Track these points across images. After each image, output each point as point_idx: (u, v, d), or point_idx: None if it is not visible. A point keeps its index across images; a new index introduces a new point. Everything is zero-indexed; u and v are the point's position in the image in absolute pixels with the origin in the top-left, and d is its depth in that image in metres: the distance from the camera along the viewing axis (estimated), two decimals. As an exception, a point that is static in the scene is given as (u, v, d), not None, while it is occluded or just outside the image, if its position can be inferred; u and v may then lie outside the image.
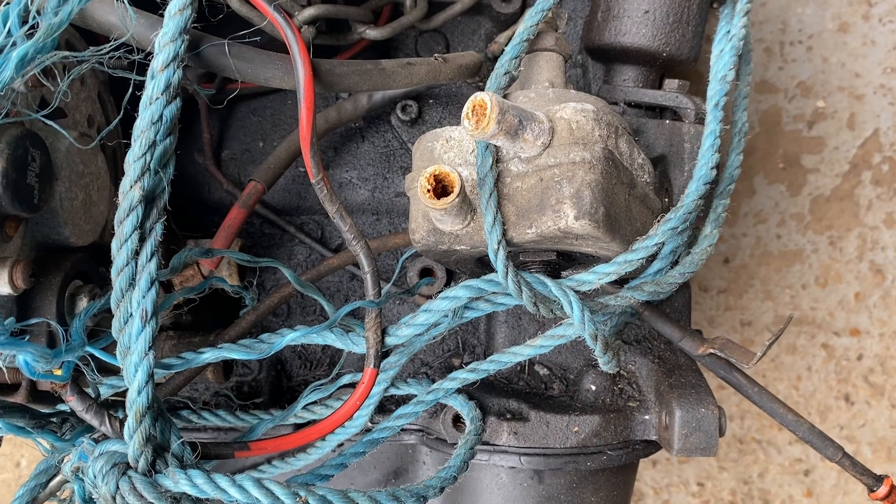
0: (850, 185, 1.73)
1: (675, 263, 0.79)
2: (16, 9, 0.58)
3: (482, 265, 0.80)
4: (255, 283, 0.94)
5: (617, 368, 0.81)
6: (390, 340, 0.75)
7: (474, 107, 0.63)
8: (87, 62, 0.58)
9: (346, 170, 0.98)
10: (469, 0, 0.96)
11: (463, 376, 0.84)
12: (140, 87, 0.62)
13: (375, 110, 0.95)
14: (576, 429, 0.87)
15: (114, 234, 0.60)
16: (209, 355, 0.72)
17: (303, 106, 0.65)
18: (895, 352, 1.73)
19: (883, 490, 0.81)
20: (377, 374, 0.74)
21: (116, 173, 0.80)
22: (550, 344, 0.79)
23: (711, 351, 0.85)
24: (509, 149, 0.69)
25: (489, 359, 0.83)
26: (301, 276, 0.86)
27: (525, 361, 0.96)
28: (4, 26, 0.56)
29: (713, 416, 0.83)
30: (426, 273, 0.97)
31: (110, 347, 0.65)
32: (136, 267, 0.60)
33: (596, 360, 0.80)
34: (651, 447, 0.92)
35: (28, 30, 0.58)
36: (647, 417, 0.89)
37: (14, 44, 0.55)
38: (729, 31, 0.84)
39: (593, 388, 0.92)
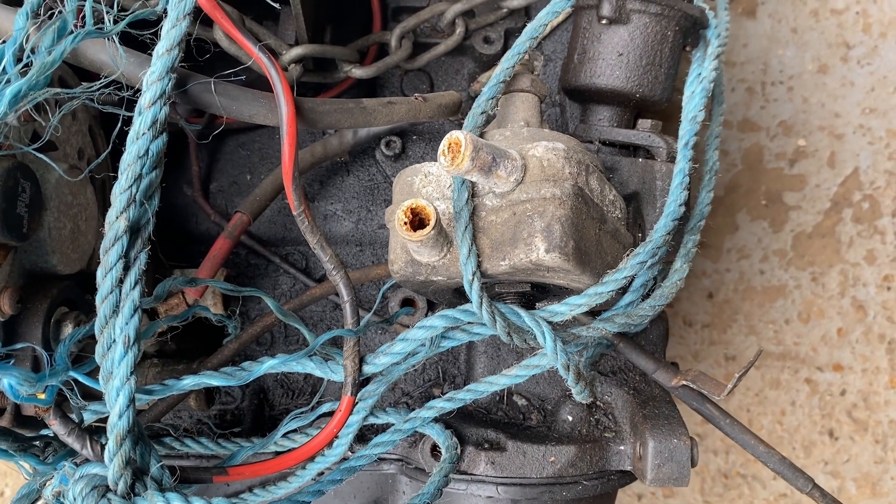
0: (831, 222, 1.76)
1: (646, 296, 0.82)
2: (11, 47, 0.61)
3: (459, 296, 0.82)
4: (238, 312, 0.96)
5: (591, 399, 0.83)
6: (368, 369, 0.77)
7: (450, 144, 0.66)
8: (79, 98, 0.61)
9: (331, 202, 1.01)
10: (452, 41, 1.00)
11: (440, 405, 0.86)
12: (128, 122, 0.65)
13: (360, 145, 0.98)
14: (552, 459, 0.89)
15: (100, 262, 0.62)
16: (190, 381, 0.74)
17: (285, 142, 0.68)
18: (878, 387, 1.75)
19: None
20: (354, 402, 0.76)
21: (104, 204, 0.83)
22: (525, 374, 0.81)
23: (684, 382, 0.88)
24: (484, 184, 0.72)
25: (466, 388, 0.85)
26: (284, 305, 0.88)
27: (503, 391, 0.98)
28: (1, 64, 0.59)
29: (685, 446, 0.85)
30: (407, 303, 0.99)
31: (93, 373, 0.67)
32: (120, 294, 0.62)
33: (571, 390, 0.82)
34: (627, 477, 0.93)
35: (22, 67, 0.61)
36: (622, 448, 0.91)
37: (9, 81, 0.58)
38: (700, 74, 0.88)
39: (570, 418, 0.94)
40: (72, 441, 0.66)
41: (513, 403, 0.98)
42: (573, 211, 0.70)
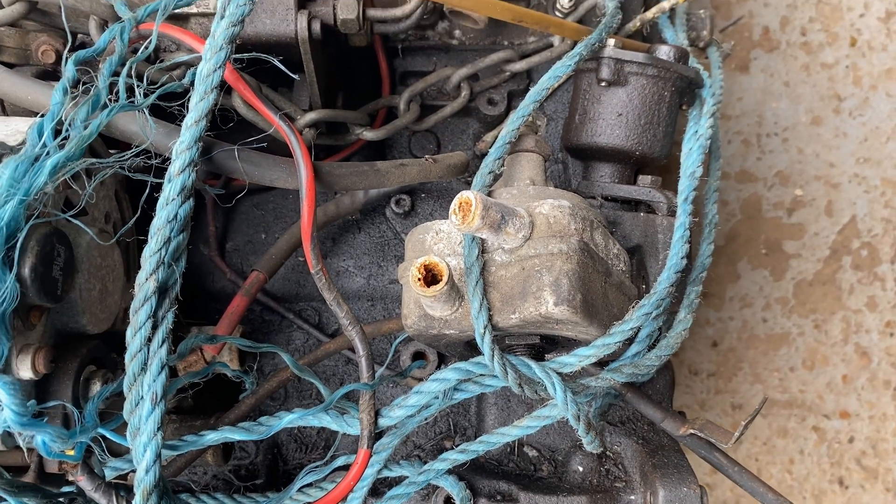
0: (831, 269, 1.80)
1: (652, 346, 0.85)
2: (50, 122, 0.65)
3: (470, 348, 0.85)
4: (255, 367, 0.99)
5: (601, 448, 0.86)
6: (383, 422, 0.80)
7: (461, 204, 0.70)
8: (112, 167, 0.65)
9: (343, 259, 1.05)
10: (458, 104, 1.05)
11: (453, 457, 0.88)
12: (156, 187, 0.69)
13: (371, 204, 1.02)
14: (564, 509, 0.91)
15: (126, 321, 0.66)
16: (212, 437, 0.76)
17: (305, 204, 0.72)
18: (886, 434, 1.76)
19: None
20: (370, 455, 0.79)
21: (129, 266, 0.87)
22: (536, 424, 0.84)
23: (692, 431, 0.90)
24: (493, 241, 0.76)
25: (478, 440, 0.87)
26: (299, 360, 0.91)
27: (514, 443, 1.00)
28: (40, 138, 0.64)
29: (695, 495, 0.87)
30: (418, 357, 1.02)
31: (120, 429, 0.70)
32: (149, 353, 0.65)
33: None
34: (638, 527, 0.95)
35: (60, 140, 0.65)
36: (632, 497, 0.93)
37: (48, 153, 0.63)
38: (697, 132, 0.93)
39: (581, 468, 0.96)
40: (98, 496, 0.68)
41: (523, 454, 1.00)
42: (580, 265, 0.73)
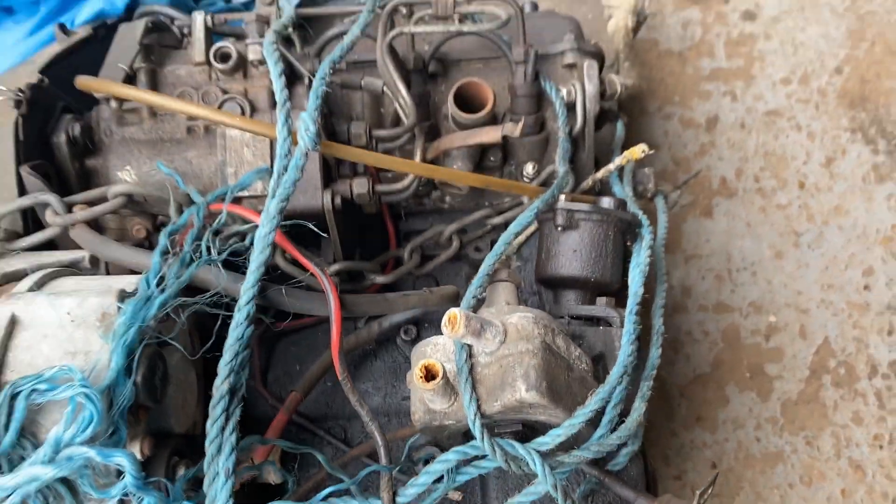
0: (813, 388, 2.02)
1: (613, 430, 1.09)
2: (154, 276, 0.97)
3: (467, 439, 1.10)
4: (295, 468, 1.23)
5: (578, 519, 1.08)
6: (401, 500, 1.04)
7: (449, 318, 0.99)
8: (198, 304, 0.95)
9: (363, 382, 1.33)
10: (451, 252, 1.37)
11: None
12: (224, 318, 0.99)
13: (384, 334, 1.31)
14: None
15: (197, 428, 0.92)
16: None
17: (333, 325, 1.01)
18: (888, 545, 1.90)
19: None
20: (391, 529, 1.02)
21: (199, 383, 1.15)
22: (526, 500, 1.07)
23: (658, 504, 1.12)
24: (477, 346, 1.04)
25: (480, 517, 1.10)
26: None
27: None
28: (148, 286, 0.95)
29: (665, 557, 1.08)
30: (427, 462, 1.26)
31: (197, 504, 0.94)
32: (223, 438, 0.92)
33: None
34: None
35: (160, 288, 0.96)
36: (616, 568, 1.14)
37: (154, 296, 0.93)
38: (638, 261, 1.22)
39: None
40: (182, 559, 0.92)
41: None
42: (544, 360, 1.01)
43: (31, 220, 1.19)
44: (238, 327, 0.94)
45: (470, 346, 1.05)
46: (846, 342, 2.05)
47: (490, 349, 1.03)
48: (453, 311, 0.99)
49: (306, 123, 1.04)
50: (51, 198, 1.11)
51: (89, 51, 1.37)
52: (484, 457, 1.04)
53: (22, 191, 1.16)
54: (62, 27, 1.37)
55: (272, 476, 1.14)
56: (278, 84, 1.13)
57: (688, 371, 2.05)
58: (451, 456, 1.03)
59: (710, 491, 1.11)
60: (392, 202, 1.34)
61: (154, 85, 1.26)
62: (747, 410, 2.03)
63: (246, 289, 0.96)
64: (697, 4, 2.19)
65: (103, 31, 1.43)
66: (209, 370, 1.08)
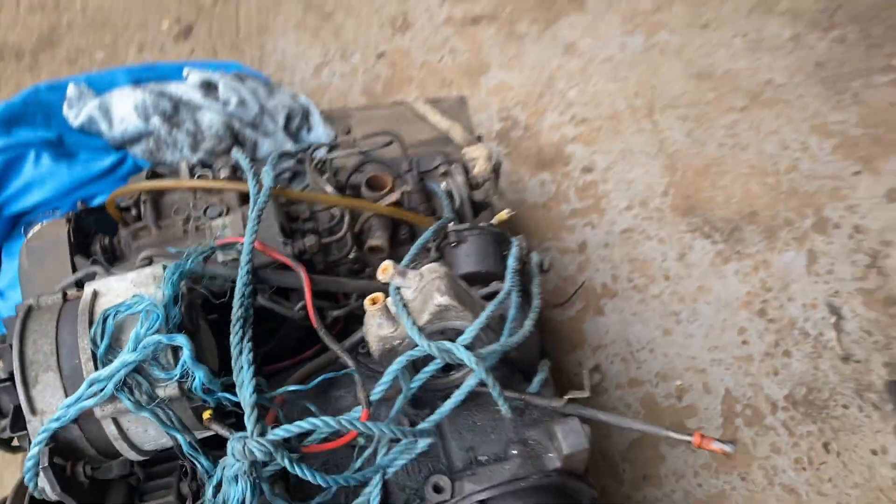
0: (730, 431, 2.38)
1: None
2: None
3: (415, 369, 1.48)
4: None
5: (507, 406, 1.43)
6: (373, 397, 1.38)
7: (382, 268, 1.45)
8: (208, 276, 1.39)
9: (336, 389, 1.69)
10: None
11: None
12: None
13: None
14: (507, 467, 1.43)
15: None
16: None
17: (305, 290, 1.45)
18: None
19: None
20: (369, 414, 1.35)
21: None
22: (462, 393, 1.43)
23: (567, 397, 1.50)
24: (404, 287, 1.47)
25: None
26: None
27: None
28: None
29: (577, 423, 1.43)
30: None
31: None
32: (242, 345, 1.31)
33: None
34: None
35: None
36: (550, 455, 1.46)
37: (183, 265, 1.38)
38: (512, 253, 1.72)
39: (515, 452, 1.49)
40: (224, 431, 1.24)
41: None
42: (450, 280, 1.45)
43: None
44: (242, 279, 1.39)
45: (399, 288, 1.49)
46: (744, 388, 2.45)
47: (413, 286, 1.48)
48: (385, 262, 1.46)
49: (268, 174, 1.59)
50: (98, 268, 1.57)
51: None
52: (431, 360, 1.42)
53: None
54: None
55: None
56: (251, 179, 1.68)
57: (623, 439, 2.38)
58: (402, 358, 1.41)
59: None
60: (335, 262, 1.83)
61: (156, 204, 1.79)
62: (683, 462, 2.34)
63: (244, 261, 1.42)
64: (546, 168, 2.92)
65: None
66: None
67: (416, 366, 1.44)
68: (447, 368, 1.48)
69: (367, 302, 1.44)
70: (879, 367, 2.43)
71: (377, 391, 1.39)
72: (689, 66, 3.15)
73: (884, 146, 2.87)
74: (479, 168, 2.20)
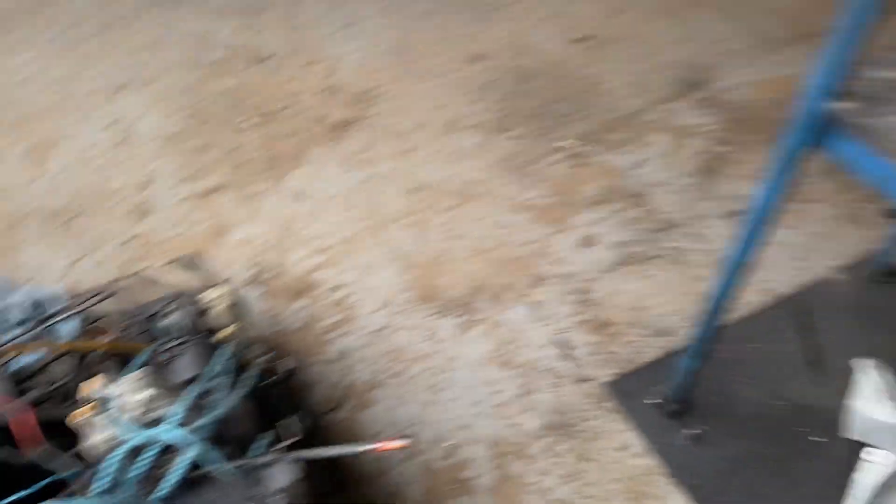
0: (503, 470, 2.67)
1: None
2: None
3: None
4: None
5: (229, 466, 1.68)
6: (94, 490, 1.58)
7: (91, 382, 1.69)
8: None
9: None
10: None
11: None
12: None
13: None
14: None
15: None
16: None
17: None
18: None
19: None
20: None
21: None
22: (181, 467, 1.66)
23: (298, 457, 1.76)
24: (113, 392, 1.71)
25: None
26: None
27: None
28: None
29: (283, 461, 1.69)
30: None
31: None
32: None
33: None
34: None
35: None
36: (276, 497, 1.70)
37: None
38: (221, 352, 2.01)
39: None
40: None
41: None
42: (151, 378, 1.71)
43: None
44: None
45: (108, 395, 1.72)
46: (506, 430, 2.75)
47: (120, 391, 1.72)
48: (95, 377, 1.71)
49: None
50: None
51: None
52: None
53: None
54: None
55: None
56: None
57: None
58: (123, 448, 1.63)
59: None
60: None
61: None
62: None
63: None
64: (300, 296, 3.25)
65: None
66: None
67: (136, 454, 1.67)
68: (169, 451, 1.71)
69: (74, 415, 1.65)
70: (608, 379, 2.85)
71: (101, 483, 1.59)
72: (402, 186, 3.67)
73: (569, 207, 3.47)
74: (219, 307, 2.50)
